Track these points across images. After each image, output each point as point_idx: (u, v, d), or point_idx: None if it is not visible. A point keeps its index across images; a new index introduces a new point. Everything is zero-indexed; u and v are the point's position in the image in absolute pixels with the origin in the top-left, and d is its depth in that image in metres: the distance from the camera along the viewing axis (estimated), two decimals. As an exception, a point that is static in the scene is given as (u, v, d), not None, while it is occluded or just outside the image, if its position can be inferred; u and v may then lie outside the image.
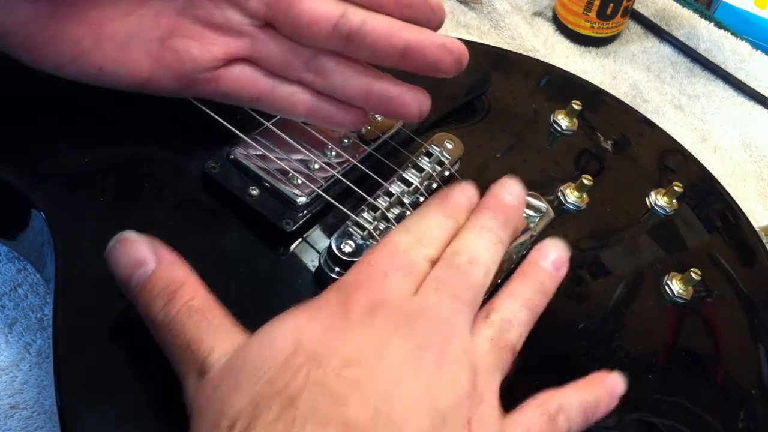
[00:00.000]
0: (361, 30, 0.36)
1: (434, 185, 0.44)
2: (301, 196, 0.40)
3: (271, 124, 0.42)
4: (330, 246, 0.39)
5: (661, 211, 0.47)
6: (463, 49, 0.37)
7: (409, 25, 0.37)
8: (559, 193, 0.46)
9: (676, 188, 0.47)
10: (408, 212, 0.42)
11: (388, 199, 0.42)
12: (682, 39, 0.70)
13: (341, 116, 0.39)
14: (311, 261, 0.40)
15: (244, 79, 0.39)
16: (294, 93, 0.39)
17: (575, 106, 0.50)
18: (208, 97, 0.39)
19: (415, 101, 0.38)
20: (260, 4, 0.37)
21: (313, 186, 0.41)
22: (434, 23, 0.38)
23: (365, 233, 0.40)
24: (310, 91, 0.39)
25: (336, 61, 0.38)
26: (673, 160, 0.51)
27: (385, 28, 0.36)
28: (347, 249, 0.39)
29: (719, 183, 0.51)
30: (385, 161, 0.43)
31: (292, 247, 0.40)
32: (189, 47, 0.37)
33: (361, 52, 0.37)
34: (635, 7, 0.70)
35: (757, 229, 0.49)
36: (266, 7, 0.37)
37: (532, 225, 0.43)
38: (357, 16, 0.36)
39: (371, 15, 0.36)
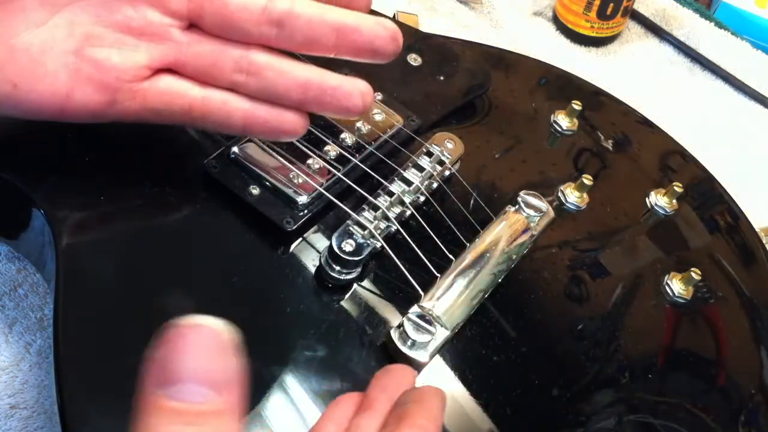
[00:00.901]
0: (292, 12, 0.34)
1: (434, 184, 0.44)
2: (301, 195, 0.40)
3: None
4: (330, 245, 0.38)
5: (661, 212, 0.47)
6: (396, 27, 0.36)
7: (339, 8, 0.36)
8: (559, 193, 0.46)
9: (676, 188, 0.47)
10: (408, 211, 0.42)
11: (388, 198, 0.42)
12: (682, 39, 0.70)
13: (279, 121, 0.36)
14: (312, 260, 0.40)
15: (173, 90, 0.36)
16: (227, 101, 0.36)
17: (575, 106, 0.50)
18: (135, 116, 0.36)
19: (356, 90, 0.36)
20: (182, 1, 0.34)
21: (314, 185, 0.41)
22: (362, 3, 0.37)
23: (366, 232, 0.40)
24: (243, 97, 0.36)
25: (268, 56, 0.35)
26: (673, 161, 0.51)
27: (315, 9, 0.35)
28: (348, 248, 0.39)
29: (719, 183, 0.51)
30: (386, 160, 0.43)
31: (293, 246, 0.40)
32: (109, 55, 0.34)
33: (294, 36, 0.35)
34: (635, 7, 0.70)
35: (757, 230, 0.49)
36: (189, 2, 0.34)
37: (532, 225, 0.43)
38: (284, 2, 0.34)
39: (298, 1, 0.35)
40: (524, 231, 0.42)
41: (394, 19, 0.57)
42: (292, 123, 0.37)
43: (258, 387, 0.31)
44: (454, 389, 0.37)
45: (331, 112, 0.37)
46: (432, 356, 0.37)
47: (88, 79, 0.34)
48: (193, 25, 0.35)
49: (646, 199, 0.48)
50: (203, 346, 0.24)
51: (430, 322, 0.37)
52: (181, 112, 0.36)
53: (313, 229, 0.41)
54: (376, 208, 0.41)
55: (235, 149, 0.41)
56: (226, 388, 0.24)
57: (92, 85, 0.34)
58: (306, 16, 0.35)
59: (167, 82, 0.35)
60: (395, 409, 0.31)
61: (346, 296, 0.39)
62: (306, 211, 0.40)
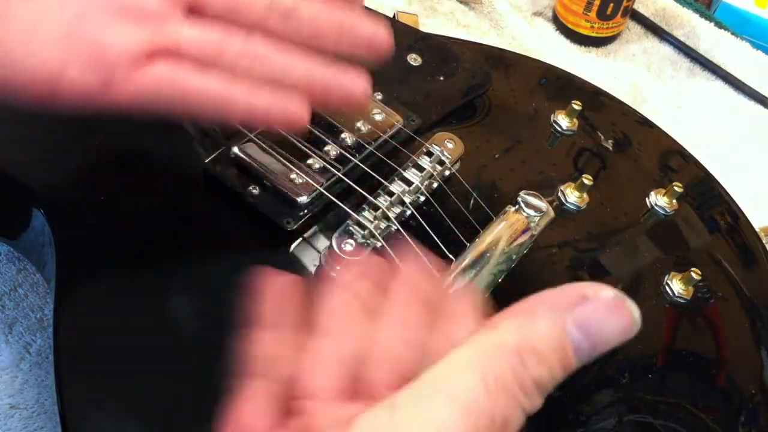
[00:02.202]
0: (297, 7, 0.35)
1: (435, 184, 0.44)
2: (302, 195, 0.40)
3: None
4: (331, 245, 0.38)
5: (661, 211, 0.47)
6: (389, 29, 0.37)
7: (338, 8, 0.36)
8: (559, 193, 0.46)
9: (676, 188, 0.47)
10: (408, 211, 0.42)
11: (389, 198, 0.42)
12: (682, 39, 0.70)
13: (282, 109, 0.35)
14: (312, 260, 0.40)
15: (169, 76, 0.33)
16: (227, 87, 0.34)
17: (575, 106, 0.50)
18: (130, 102, 0.33)
19: (359, 81, 0.36)
20: None
21: (314, 185, 0.41)
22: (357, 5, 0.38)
23: (366, 232, 0.40)
24: (244, 83, 0.34)
25: (272, 44, 0.35)
26: (673, 160, 0.51)
27: (318, 6, 0.35)
28: (348, 248, 0.39)
29: (719, 183, 0.51)
30: (386, 160, 0.43)
31: (293, 246, 0.40)
32: (103, 33, 0.32)
33: (301, 27, 0.35)
34: (635, 7, 0.70)
35: (756, 230, 0.49)
36: None
37: (532, 225, 0.43)
38: (287, 1, 0.35)
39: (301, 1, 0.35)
40: (524, 231, 0.42)
41: (394, 19, 0.57)
42: (296, 111, 0.35)
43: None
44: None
45: (335, 102, 0.37)
46: (432, 356, 0.37)
47: (82, 57, 0.32)
48: (192, 12, 0.34)
49: (646, 199, 0.48)
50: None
51: (430, 322, 0.37)
52: (178, 99, 0.34)
53: (313, 229, 0.41)
54: (376, 207, 0.41)
55: (235, 149, 0.41)
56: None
57: (87, 64, 0.32)
58: (311, 10, 0.35)
59: (165, 67, 0.33)
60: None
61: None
62: (306, 211, 0.40)
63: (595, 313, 0.25)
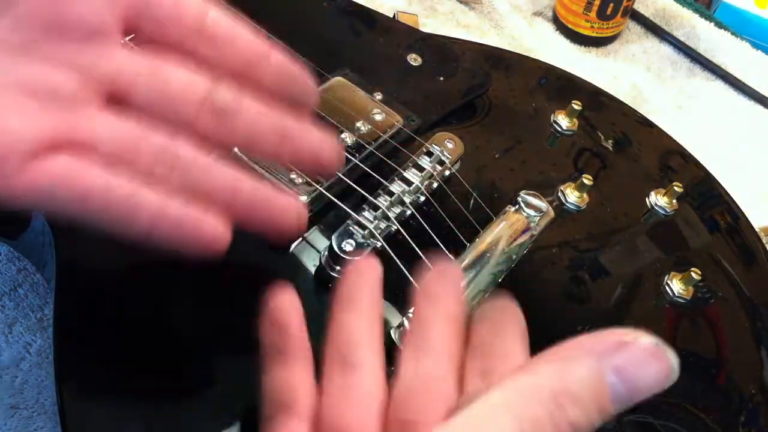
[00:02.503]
0: (238, 104, 0.31)
1: (435, 184, 0.44)
2: (302, 195, 0.40)
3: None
4: (331, 245, 0.38)
5: (661, 211, 0.47)
6: (339, 147, 0.34)
7: (283, 113, 0.32)
8: (559, 193, 0.46)
9: (676, 188, 0.47)
10: (408, 211, 0.42)
11: (389, 198, 0.42)
12: (682, 39, 0.70)
13: (195, 225, 0.30)
14: (312, 261, 0.40)
15: (71, 172, 0.28)
16: (136, 192, 0.29)
17: (575, 106, 0.50)
18: (18, 198, 0.28)
19: (293, 207, 0.32)
20: (108, 71, 0.29)
21: (314, 185, 0.41)
22: (308, 99, 0.34)
23: (366, 232, 0.40)
24: (155, 191, 0.29)
25: (196, 150, 0.30)
26: (673, 160, 0.51)
27: (260, 107, 0.31)
28: (348, 248, 0.39)
29: (719, 183, 0.51)
30: (386, 160, 0.43)
31: (293, 246, 0.40)
32: (7, 118, 0.28)
33: (236, 130, 0.31)
34: (635, 7, 0.70)
35: (756, 230, 0.49)
36: (116, 73, 0.29)
37: (532, 225, 0.43)
38: (228, 93, 0.31)
39: (243, 97, 0.31)
40: (524, 231, 0.42)
41: (394, 19, 0.57)
42: (212, 230, 0.30)
43: (259, 386, 0.31)
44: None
45: (259, 227, 0.32)
46: (432, 356, 0.37)
47: None
48: (113, 101, 0.30)
49: (646, 199, 0.48)
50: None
51: (430, 322, 0.37)
52: (76, 199, 0.29)
53: (313, 229, 0.41)
54: (376, 207, 0.41)
55: (235, 149, 0.41)
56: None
57: None
58: (250, 113, 0.31)
59: (66, 161, 0.28)
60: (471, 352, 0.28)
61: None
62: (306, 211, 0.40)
63: (634, 359, 0.25)
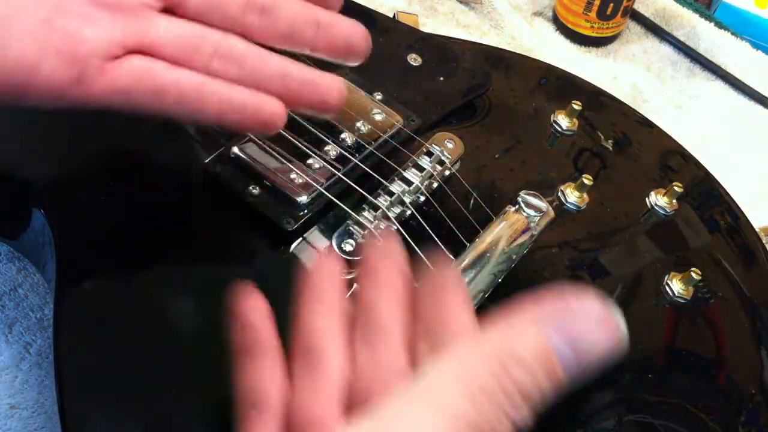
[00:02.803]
0: (274, 5, 0.35)
1: (435, 184, 0.44)
2: (302, 195, 0.40)
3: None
4: (331, 245, 0.38)
5: (661, 211, 0.47)
6: (366, 30, 0.37)
7: (316, 5, 0.36)
8: (559, 193, 0.46)
9: (676, 188, 0.47)
10: (408, 211, 0.42)
11: (389, 198, 0.42)
12: (682, 39, 0.70)
13: (257, 107, 0.34)
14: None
15: (145, 70, 0.33)
16: (203, 83, 0.34)
17: (575, 106, 0.50)
18: (102, 98, 0.33)
19: (334, 85, 0.36)
20: None
21: (314, 185, 0.41)
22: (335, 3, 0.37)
23: (366, 232, 0.40)
24: (220, 81, 0.34)
25: (247, 44, 0.35)
26: (673, 160, 0.51)
27: (297, 3, 0.35)
28: (348, 248, 0.39)
29: (719, 183, 0.51)
30: (386, 160, 0.43)
31: (293, 246, 0.40)
32: (82, 27, 0.32)
33: (277, 25, 0.35)
34: (635, 7, 0.70)
35: (756, 229, 0.49)
36: None
37: (532, 225, 0.43)
38: None
39: None
40: (524, 231, 0.42)
41: (394, 19, 0.57)
42: (271, 110, 0.35)
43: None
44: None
45: (309, 106, 0.36)
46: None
47: (58, 51, 0.31)
48: (169, 9, 0.34)
49: (646, 199, 0.48)
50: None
51: (430, 322, 0.37)
52: (152, 94, 0.33)
53: (313, 229, 0.41)
54: (376, 207, 0.41)
55: (235, 149, 0.41)
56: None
57: (61, 58, 0.31)
58: (289, 7, 0.35)
59: (139, 62, 0.33)
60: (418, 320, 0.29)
61: (347, 296, 0.39)
62: (306, 211, 0.40)
63: (579, 323, 0.25)
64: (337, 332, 0.30)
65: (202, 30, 0.34)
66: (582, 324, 0.25)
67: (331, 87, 0.36)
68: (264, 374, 0.29)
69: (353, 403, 0.27)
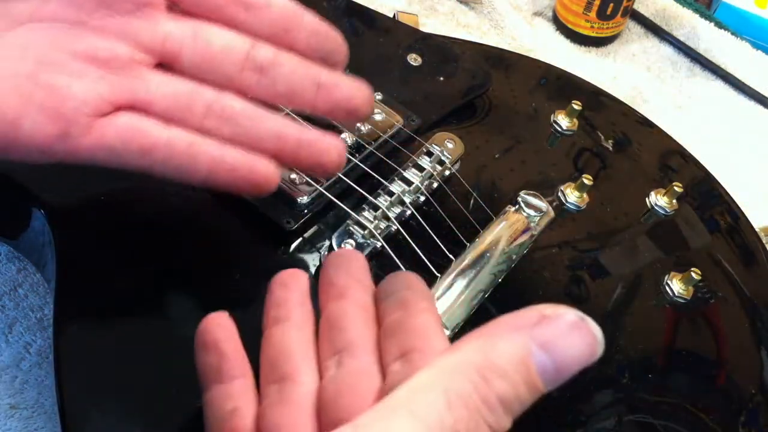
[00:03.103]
0: (277, 59, 0.33)
1: (435, 184, 0.44)
2: (302, 195, 0.40)
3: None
4: (331, 245, 0.39)
5: (661, 211, 0.47)
6: (369, 90, 0.35)
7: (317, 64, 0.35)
8: (559, 193, 0.46)
9: (676, 188, 0.47)
10: (408, 211, 0.42)
11: (389, 198, 0.42)
12: (682, 39, 0.70)
13: (249, 169, 0.33)
14: (312, 260, 0.40)
15: (132, 129, 0.32)
16: (194, 143, 0.32)
17: (575, 106, 0.50)
18: (88, 155, 0.32)
19: (333, 147, 0.35)
20: (156, 37, 0.32)
21: (314, 185, 0.41)
22: (339, 57, 0.36)
23: (366, 232, 0.40)
24: (212, 141, 0.33)
25: (243, 102, 0.33)
26: (673, 160, 0.51)
27: (298, 61, 0.34)
28: (348, 248, 0.39)
29: (719, 183, 0.51)
30: (386, 160, 0.43)
31: (293, 246, 0.40)
32: (69, 83, 0.31)
33: (276, 85, 0.33)
34: (635, 7, 0.70)
35: (756, 230, 0.49)
36: (164, 40, 0.32)
37: (532, 225, 0.43)
38: (269, 50, 0.33)
39: (281, 52, 0.34)
40: (524, 231, 0.42)
41: (394, 19, 0.57)
42: (264, 173, 0.33)
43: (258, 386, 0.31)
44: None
45: (306, 167, 0.36)
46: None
47: (41, 107, 0.30)
48: (163, 64, 0.33)
49: (646, 199, 0.48)
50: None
51: (430, 322, 0.37)
52: (140, 152, 0.32)
53: (313, 229, 0.41)
54: (376, 207, 0.41)
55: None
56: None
57: (45, 114, 0.30)
58: (289, 66, 0.34)
59: (129, 119, 0.32)
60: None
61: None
62: (306, 211, 0.40)
63: (556, 332, 0.25)
64: (306, 348, 0.29)
65: (196, 88, 0.33)
66: (559, 333, 0.25)
67: (330, 148, 0.35)
68: (234, 393, 0.29)
69: (327, 420, 0.27)
